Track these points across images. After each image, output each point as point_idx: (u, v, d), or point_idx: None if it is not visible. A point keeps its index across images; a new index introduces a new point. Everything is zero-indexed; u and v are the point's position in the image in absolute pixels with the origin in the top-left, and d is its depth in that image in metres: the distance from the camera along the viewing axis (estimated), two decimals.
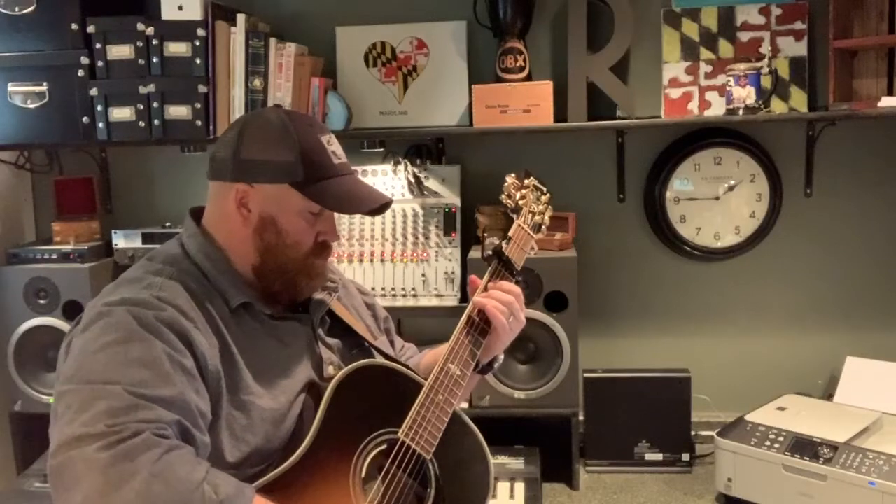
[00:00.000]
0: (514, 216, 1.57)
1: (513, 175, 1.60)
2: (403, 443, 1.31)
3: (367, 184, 1.44)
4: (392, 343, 1.69)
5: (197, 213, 1.43)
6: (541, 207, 1.60)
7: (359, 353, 1.50)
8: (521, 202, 1.57)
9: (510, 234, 1.53)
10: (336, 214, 1.45)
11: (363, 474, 1.30)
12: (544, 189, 1.63)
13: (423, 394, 1.35)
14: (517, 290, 1.48)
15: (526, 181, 1.60)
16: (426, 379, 1.39)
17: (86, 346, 1.17)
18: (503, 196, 1.59)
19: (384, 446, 1.32)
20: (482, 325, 1.45)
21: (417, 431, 1.32)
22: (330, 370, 1.41)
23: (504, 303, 1.44)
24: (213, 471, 1.12)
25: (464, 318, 1.45)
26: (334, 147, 1.38)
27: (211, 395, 1.22)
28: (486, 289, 1.48)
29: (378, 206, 1.40)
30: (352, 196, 1.37)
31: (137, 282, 1.27)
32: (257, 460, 1.28)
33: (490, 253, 1.51)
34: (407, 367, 1.46)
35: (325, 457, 1.27)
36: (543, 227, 1.61)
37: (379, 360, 1.45)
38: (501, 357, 1.57)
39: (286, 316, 1.41)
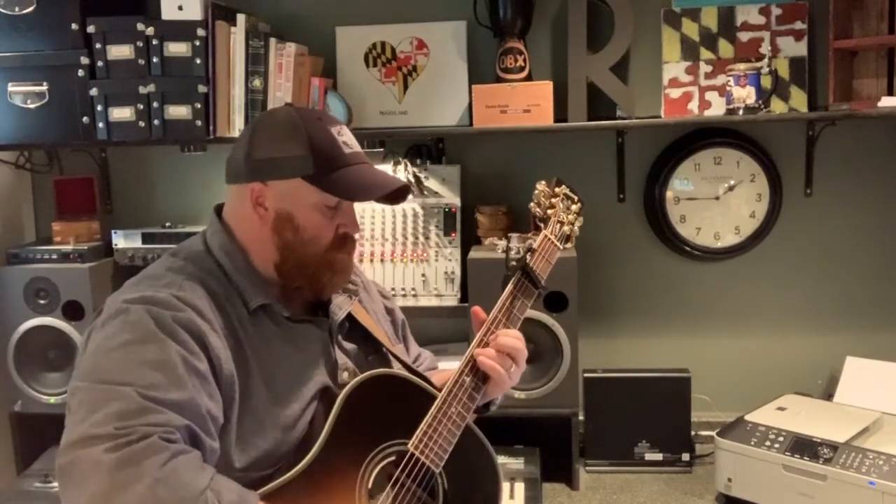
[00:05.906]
0: (542, 226, 1.50)
1: (543, 182, 1.53)
2: (413, 455, 1.29)
3: (381, 171, 1.42)
4: (407, 349, 1.66)
5: (221, 210, 1.42)
6: (570, 217, 1.53)
7: (375, 359, 1.47)
8: (549, 211, 1.50)
9: (536, 245, 1.46)
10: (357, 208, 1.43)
11: (370, 485, 1.28)
12: (575, 198, 1.56)
13: (435, 406, 1.32)
14: (517, 338, 1.40)
15: (557, 189, 1.53)
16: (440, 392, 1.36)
17: (103, 344, 1.18)
18: (532, 204, 1.52)
19: (393, 458, 1.31)
20: (482, 373, 1.38)
21: (427, 444, 1.30)
22: (345, 376, 1.38)
23: (507, 352, 1.37)
24: (219, 477, 1.12)
25: (463, 361, 1.38)
26: (345, 137, 1.37)
27: (224, 399, 1.22)
28: (493, 323, 1.40)
29: (391, 191, 1.37)
30: (364, 184, 1.35)
31: (159, 279, 1.27)
32: (265, 464, 1.27)
33: (514, 264, 1.44)
34: (423, 377, 1.43)
35: (332, 466, 1.25)
36: (573, 237, 1.53)
37: (393, 370, 1.41)
38: (500, 399, 1.52)
39: (304, 319, 1.39)
